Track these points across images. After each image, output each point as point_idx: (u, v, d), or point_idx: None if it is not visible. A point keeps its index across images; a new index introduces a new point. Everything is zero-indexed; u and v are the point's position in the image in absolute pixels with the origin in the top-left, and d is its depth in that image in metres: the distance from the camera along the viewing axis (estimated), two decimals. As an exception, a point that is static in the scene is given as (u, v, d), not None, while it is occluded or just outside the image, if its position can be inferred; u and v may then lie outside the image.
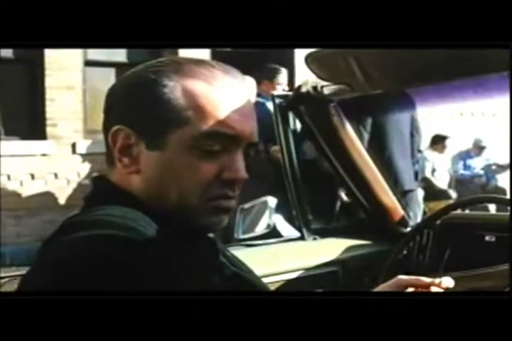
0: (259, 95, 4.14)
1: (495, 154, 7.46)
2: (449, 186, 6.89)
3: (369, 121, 3.47)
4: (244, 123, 0.89)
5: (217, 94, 0.88)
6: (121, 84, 0.93)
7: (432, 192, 6.00)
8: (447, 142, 7.01)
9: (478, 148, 7.47)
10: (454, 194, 6.46)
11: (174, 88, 0.87)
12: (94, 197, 0.93)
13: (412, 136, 3.78)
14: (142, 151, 0.89)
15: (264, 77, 4.35)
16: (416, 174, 3.84)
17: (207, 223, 0.90)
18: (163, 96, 0.87)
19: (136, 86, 0.90)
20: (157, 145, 0.88)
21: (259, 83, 4.30)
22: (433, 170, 6.72)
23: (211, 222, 0.90)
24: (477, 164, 7.48)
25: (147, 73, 0.90)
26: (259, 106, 4.07)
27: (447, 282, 0.99)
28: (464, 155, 7.47)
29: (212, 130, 0.86)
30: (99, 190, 0.95)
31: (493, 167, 7.46)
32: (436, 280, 0.99)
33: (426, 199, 5.43)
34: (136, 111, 0.89)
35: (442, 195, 6.20)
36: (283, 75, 4.40)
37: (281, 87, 4.30)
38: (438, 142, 6.97)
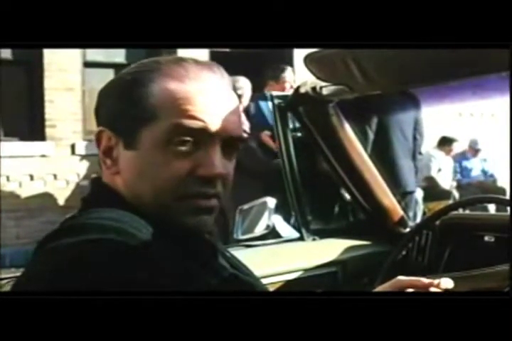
0: (264, 96, 4.10)
1: (494, 154, 7.46)
2: (451, 187, 6.90)
3: (375, 121, 3.48)
4: (215, 116, 0.88)
5: (187, 90, 0.87)
6: (106, 86, 0.95)
7: (435, 192, 6.01)
8: (455, 145, 7.01)
9: (474, 150, 7.47)
10: (456, 195, 6.47)
11: (148, 88, 0.88)
12: (91, 199, 0.94)
13: (414, 138, 3.78)
14: (121, 152, 0.90)
15: (269, 77, 4.27)
16: (416, 176, 3.85)
17: (186, 223, 0.88)
18: (136, 96, 0.88)
19: (115, 87, 0.92)
20: (132, 145, 0.88)
21: (264, 84, 4.26)
22: (438, 170, 6.72)
23: (191, 223, 0.88)
24: (473, 165, 7.47)
25: (126, 75, 0.92)
26: (261, 107, 4.05)
27: (446, 283, 0.99)
28: (460, 157, 7.46)
29: (176, 122, 0.85)
30: (95, 192, 0.96)
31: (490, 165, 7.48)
32: (436, 281, 0.98)
33: (427, 199, 5.43)
34: (115, 111, 0.91)
35: (444, 195, 6.20)
36: (288, 73, 4.27)
37: (288, 85, 4.16)
38: (445, 144, 6.97)
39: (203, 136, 0.87)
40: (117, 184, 0.91)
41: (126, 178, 0.90)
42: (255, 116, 3.99)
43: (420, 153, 4.06)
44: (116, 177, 0.91)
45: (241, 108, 3.94)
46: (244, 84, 4.02)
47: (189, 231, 0.89)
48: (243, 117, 3.88)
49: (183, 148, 0.86)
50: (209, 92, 0.88)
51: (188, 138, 0.86)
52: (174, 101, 0.87)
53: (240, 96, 3.96)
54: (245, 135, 3.89)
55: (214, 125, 0.87)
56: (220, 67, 0.94)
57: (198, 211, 0.88)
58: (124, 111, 0.89)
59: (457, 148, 7.11)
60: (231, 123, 0.90)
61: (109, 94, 0.93)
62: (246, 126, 3.85)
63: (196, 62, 0.91)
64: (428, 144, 6.44)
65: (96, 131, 0.92)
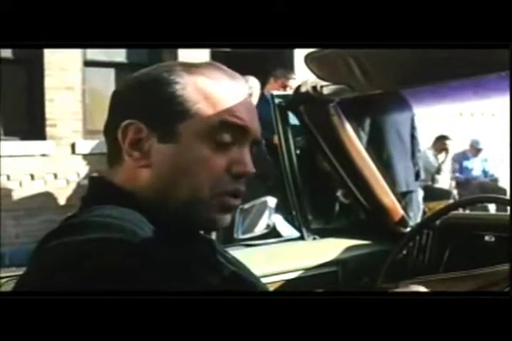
0: (262, 95, 4.10)
1: (495, 154, 7.45)
2: (450, 186, 6.90)
3: (367, 122, 3.47)
4: (251, 117, 0.93)
5: (223, 88, 0.92)
6: (130, 83, 0.95)
7: (434, 192, 6.01)
8: (448, 142, 7.00)
9: (475, 150, 7.45)
10: (455, 194, 6.46)
11: (184, 84, 0.91)
12: (92, 198, 0.93)
13: (412, 137, 3.77)
14: (154, 145, 0.91)
15: (271, 75, 4.30)
16: (416, 175, 3.84)
17: (212, 220, 0.91)
18: (174, 92, 0.91)
19: (148, 83, 0.93)
20: (170, 138, 0.90)
21: (266, 82, 4.27)
22: (437, 170, 6.73)
23: (216, 219, 0.91)
24: (474, 165, 7.46)
25: (159, 72, 0.93)
26: (262, 106, 4.05)
27: None
28: (461, 157, 7.45)
29: (222, 119, 0.90)
30: (97, 190, 0.95)
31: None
32: None
33: (427, 198, 5.43)
34: (147, 106, 0.92)
35: (444, 194, 6.20)
36: (292, 78, 4.30)
37: (287, 89, 4.16)
38: (439, 142, 6.97)
39: (240, 135, 0.91)
40: (139, 179, 0.91)
41: (158, 171, 0.90)
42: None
43: (419, 151, 4.05)
44: (142, 171, 0.91)
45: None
46: (254, 83, 4.05)
47: (209, 228, 0.94)
48: None
49: (222, 144, 0.90)
50: (240, 95, 0.94)
51: (228, 136, 0.90)
52: (214, 98, 0.91)
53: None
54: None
55: (251, 126, 0.93)
56: (237, 74, 0.98)
57: (225, 208, 0.91)
58: (159, 106, 0.91)
59: (453, 146, 7.08)
60: (258, 125, 0.95)
61: (138, 89, 0.93)
62: None
63: (219, 66, 0.97)
64: (427, 144, 6.45)
65: (124, 124, 0.91)
